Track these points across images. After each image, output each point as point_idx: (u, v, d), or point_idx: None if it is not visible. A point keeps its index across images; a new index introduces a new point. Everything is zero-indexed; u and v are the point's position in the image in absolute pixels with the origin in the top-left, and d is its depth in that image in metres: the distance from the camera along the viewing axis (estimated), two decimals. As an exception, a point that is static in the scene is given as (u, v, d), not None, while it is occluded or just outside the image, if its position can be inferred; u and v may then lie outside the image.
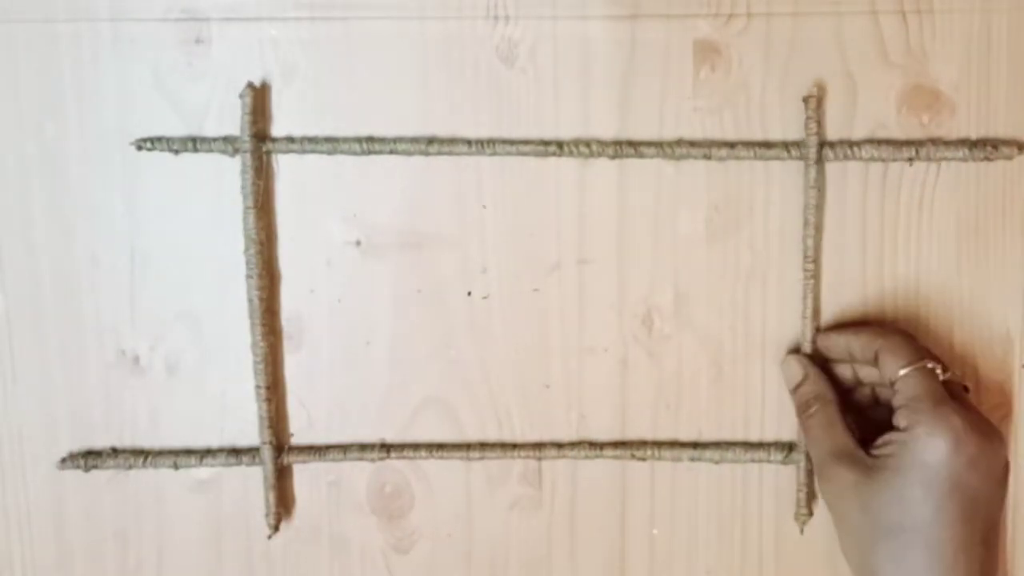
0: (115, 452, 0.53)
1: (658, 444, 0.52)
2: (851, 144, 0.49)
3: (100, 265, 0.53)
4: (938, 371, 0.46)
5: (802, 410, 0.49)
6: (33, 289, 0.53)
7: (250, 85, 0.50)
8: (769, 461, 0.51)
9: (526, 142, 0.50)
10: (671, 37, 0.50)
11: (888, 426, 0.46)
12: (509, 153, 0.50)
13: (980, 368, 0.51)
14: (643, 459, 0.52)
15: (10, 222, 0.53)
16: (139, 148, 0.51)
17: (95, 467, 0.53)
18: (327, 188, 0.52)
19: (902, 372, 0.46)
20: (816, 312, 0.50)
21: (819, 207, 0.50)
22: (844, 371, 0.50)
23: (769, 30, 0.49)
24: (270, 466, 0.52)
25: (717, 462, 0.52)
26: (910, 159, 0.49)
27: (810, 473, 0.51)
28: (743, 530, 0.53)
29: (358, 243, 0.52)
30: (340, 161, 0.51)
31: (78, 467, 0.53)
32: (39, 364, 0.54)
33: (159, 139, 0.51)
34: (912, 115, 0.49)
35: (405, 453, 0.53)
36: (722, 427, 0.52)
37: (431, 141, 0.50)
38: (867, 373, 0.49)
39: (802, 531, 0.52)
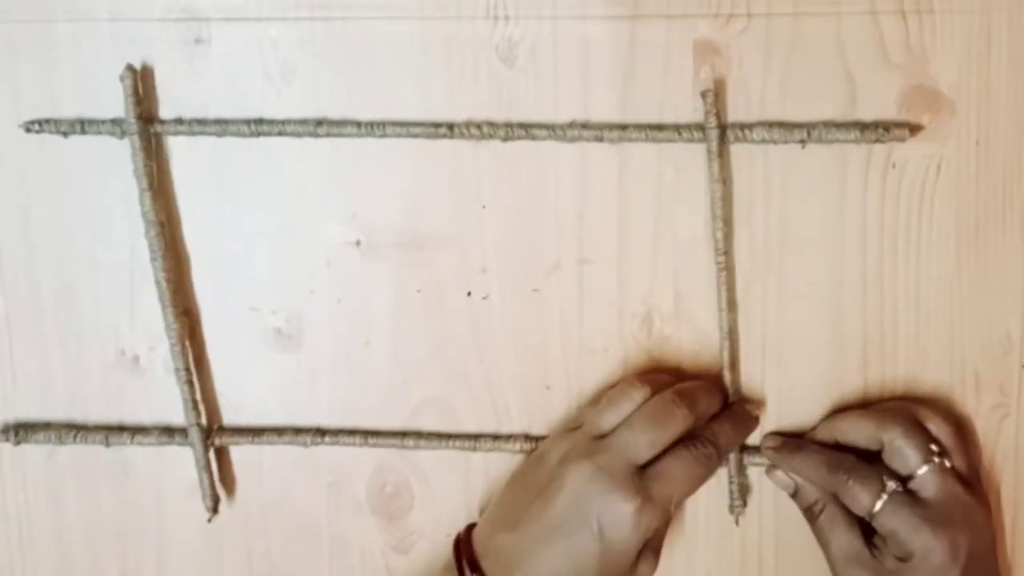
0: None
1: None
2: (742, 127, 0.49)
3: (100, 265, 0.53)
4: (900, 490, 0.47)
5: (807, 517, 0.50)
6: (33, 289, 0.53)
7: (129, 67, 0.50)
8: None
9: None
10: (671, 37, 0.49)
11: None
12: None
13: (980, 368, 0.51)
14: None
15: (10, 222, 0.53)
16: (27, 130, 0.51)
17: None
18: (327, 188, 0.52)
19: (873, 510, 0.47)
20: (732, 304, 0.50)
21: (726, 200, 0.50)
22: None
23: (769, 30, 0.49)
24: (200, 448, 0.53)
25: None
26: (801, 141, 0.49)
27: (741, 465, 0.51)
28: (743, 531, 0.53)
29: (358, 243, 0.52)
30: (341, 161, 0.51)
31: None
32: (39, 363, 0.54)
33: (47, 121, 0.51)
34: (912, 115, 0.49)
35: (340, 439, 0.53)
36: (722, 427, 0.52)
37: (319, 123, 0.50)
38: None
39: (737, 522, 0.52)
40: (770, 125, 0.49)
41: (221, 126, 0.51)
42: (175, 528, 0.54)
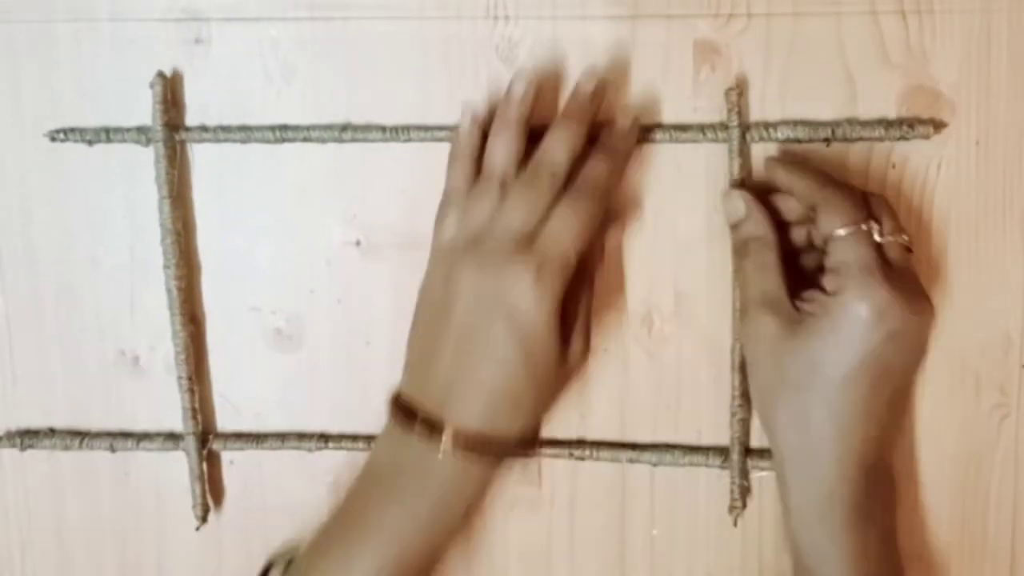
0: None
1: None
2: (767, 126, 0.49)
3: (100, 266, 0.53)
4: (875, 234, 0.44)
5: (738, 249, 0.48)
6: (33, 289, 0.53)
7: (160, 74, 0.50)
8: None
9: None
10: (671, 37, 0.49)
11: (820, 271, 0.45)
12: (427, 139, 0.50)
13: (980, 368, 0.51)
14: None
15: (10, 222, 0.53)
16: (52, 139, 0.51)
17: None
18: (328, 188, 0.52)
19: (838, 232, 0.44)
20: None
21: None
22: (787, 202, 0.48)
23: (769, 30, 0.49)
24: (195, 456, 0.53)
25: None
26: (826, 139, 0.49)
27: (743, 468, 0.51)
28: (743, 531, 0.53)
29: (358, 243, 0.52)
30: (341, 161, 0.51)
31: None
32: (39, 364, 0.54)
33: (72, 129, 0.51)
34: (912, 115, 0.49)
35: (344, 444, 0.53)
36: (721, 428, 0.52)
37: (344, 128, 0.50)
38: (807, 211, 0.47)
39: (735, 523, 0.52)
40: (795, 123, 0.49)
41: (246, 133, 0.50)
42: (175, 528, 0.54)
